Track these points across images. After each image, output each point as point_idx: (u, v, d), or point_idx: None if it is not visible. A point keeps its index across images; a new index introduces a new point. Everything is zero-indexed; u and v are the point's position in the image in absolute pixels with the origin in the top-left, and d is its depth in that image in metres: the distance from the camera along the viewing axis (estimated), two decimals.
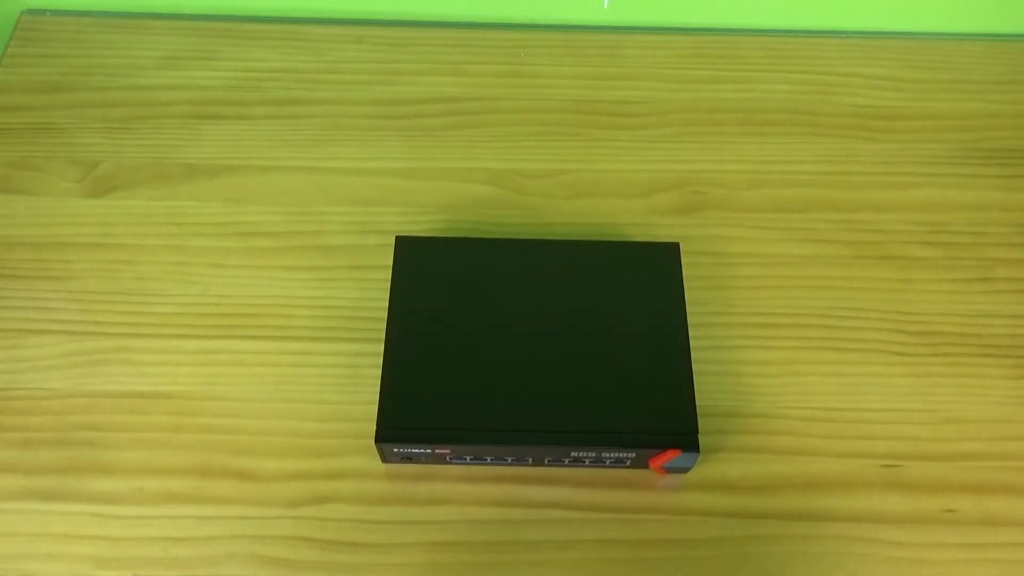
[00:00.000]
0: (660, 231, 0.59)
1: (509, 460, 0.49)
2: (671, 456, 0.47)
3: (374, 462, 0.49)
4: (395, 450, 0.47)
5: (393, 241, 0.53)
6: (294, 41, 0.69)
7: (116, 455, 0.50)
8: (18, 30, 0.69)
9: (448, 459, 0.48)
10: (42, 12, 0.70)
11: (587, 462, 0.48)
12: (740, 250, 0.59)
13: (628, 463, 0.48)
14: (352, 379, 0.52)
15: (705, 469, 0.50)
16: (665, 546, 0.48)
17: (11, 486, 0.49)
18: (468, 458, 0.48)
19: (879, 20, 0.72)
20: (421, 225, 0.59)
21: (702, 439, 0.48)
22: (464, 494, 0.49)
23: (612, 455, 0.47)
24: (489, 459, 0.49)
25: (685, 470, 0.49)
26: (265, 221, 0.59)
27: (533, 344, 0.49)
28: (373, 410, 0.47)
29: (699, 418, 0.47)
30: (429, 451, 0.47)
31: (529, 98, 0.66)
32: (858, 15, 0.72)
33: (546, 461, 0.49)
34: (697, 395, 0.48)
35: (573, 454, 0.47)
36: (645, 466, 0.48)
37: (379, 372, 0.48)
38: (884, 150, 0.64)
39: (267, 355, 0.53)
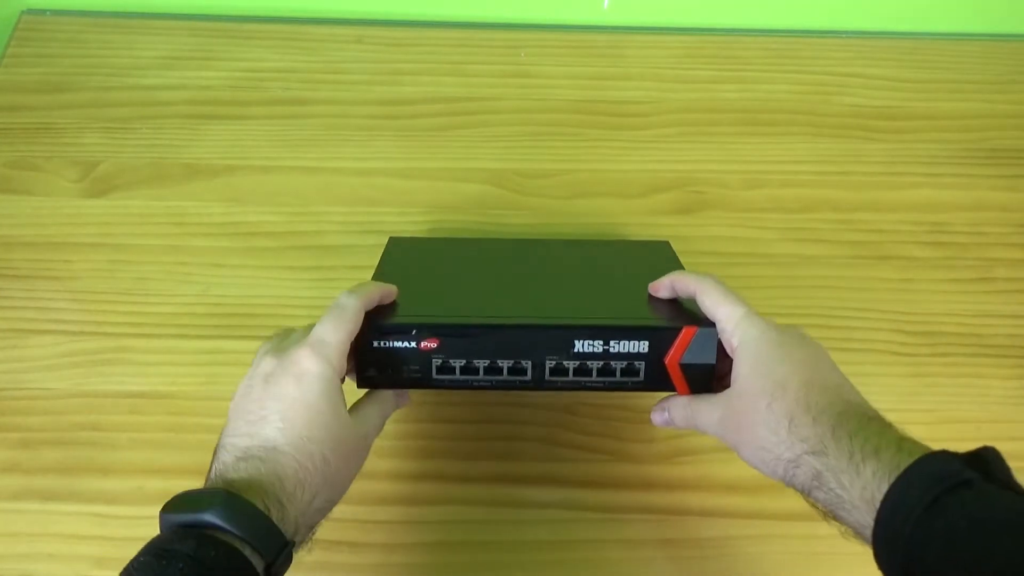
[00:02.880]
0: (660, 231, 0.59)
1: (504, 371, 0.44)
2: (687, 340, 0.43)
3: (374, 462, 0.49)
4: (375, 344, 0.44)
5: None
6: (294, 41, 0.69)
7: (116, 455, 0.50)
8: (18, 30, 0.69)
9: (433, 364, 0.44)
10: (42, 12, 0.70)
11: (594, 371, 0.44)
12: (740, 250, 0.59)
13: (641, 373, 0.44)
14: (350, 379, 0.52)
15: (705, 469, 0.50)
16: (665, 546, 0.48)
17: (12, 486, 0.49)
18: (457, 368, 0.44)
19: (879, 20, 0.72)
20: (420, 225, 0.59)
21: (701, 437, 0.47)
22: (463, 494, 0.49)
23: (621, 349, 0.44)
24: (481, 369, 0.44)
25: (707, 368, 0.44)
26: (265, 221, 0.59)
27: (529, 262, 0.51)
28: None
29: None
30: (413, 346, 0.44)
31: (529, 98, 0.66)
32: (858, 15, 0.72)
33: (547, 371, 0.44)
34: None
35: (577, 349, 0.44)
36: (661, 383, 0.44)
37: None
38: (884, 150, 0.64)
39: None
